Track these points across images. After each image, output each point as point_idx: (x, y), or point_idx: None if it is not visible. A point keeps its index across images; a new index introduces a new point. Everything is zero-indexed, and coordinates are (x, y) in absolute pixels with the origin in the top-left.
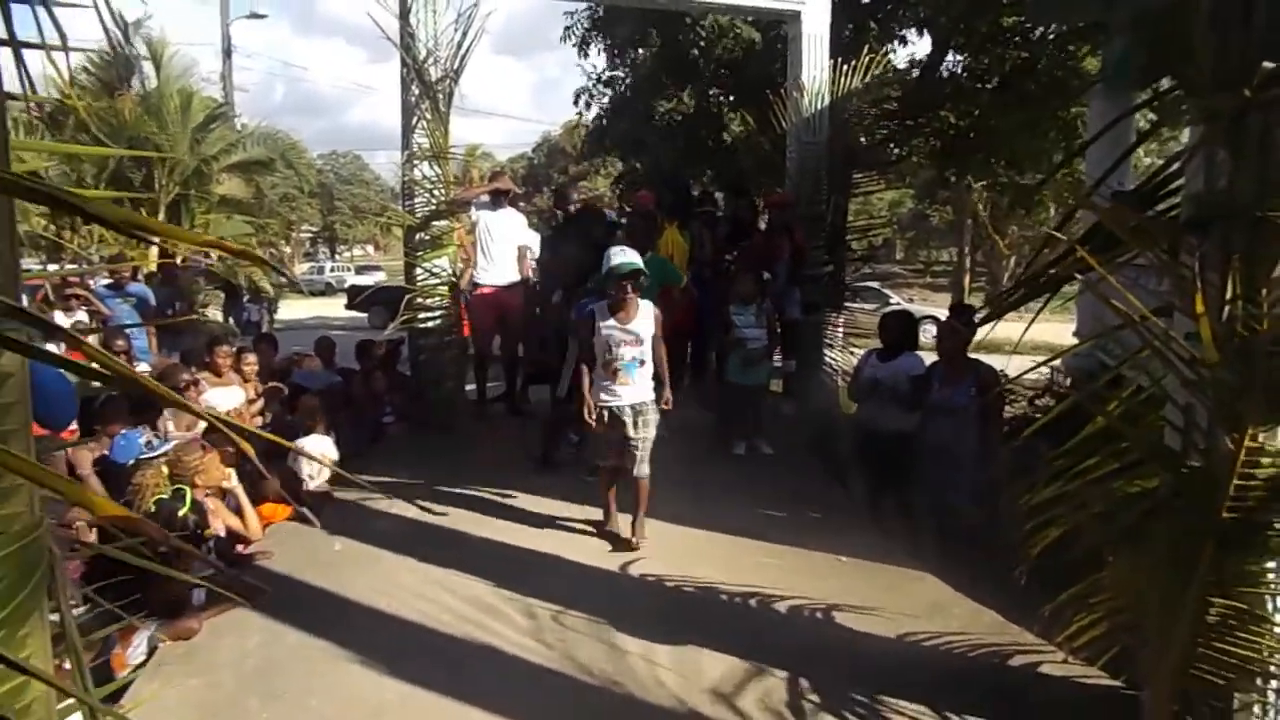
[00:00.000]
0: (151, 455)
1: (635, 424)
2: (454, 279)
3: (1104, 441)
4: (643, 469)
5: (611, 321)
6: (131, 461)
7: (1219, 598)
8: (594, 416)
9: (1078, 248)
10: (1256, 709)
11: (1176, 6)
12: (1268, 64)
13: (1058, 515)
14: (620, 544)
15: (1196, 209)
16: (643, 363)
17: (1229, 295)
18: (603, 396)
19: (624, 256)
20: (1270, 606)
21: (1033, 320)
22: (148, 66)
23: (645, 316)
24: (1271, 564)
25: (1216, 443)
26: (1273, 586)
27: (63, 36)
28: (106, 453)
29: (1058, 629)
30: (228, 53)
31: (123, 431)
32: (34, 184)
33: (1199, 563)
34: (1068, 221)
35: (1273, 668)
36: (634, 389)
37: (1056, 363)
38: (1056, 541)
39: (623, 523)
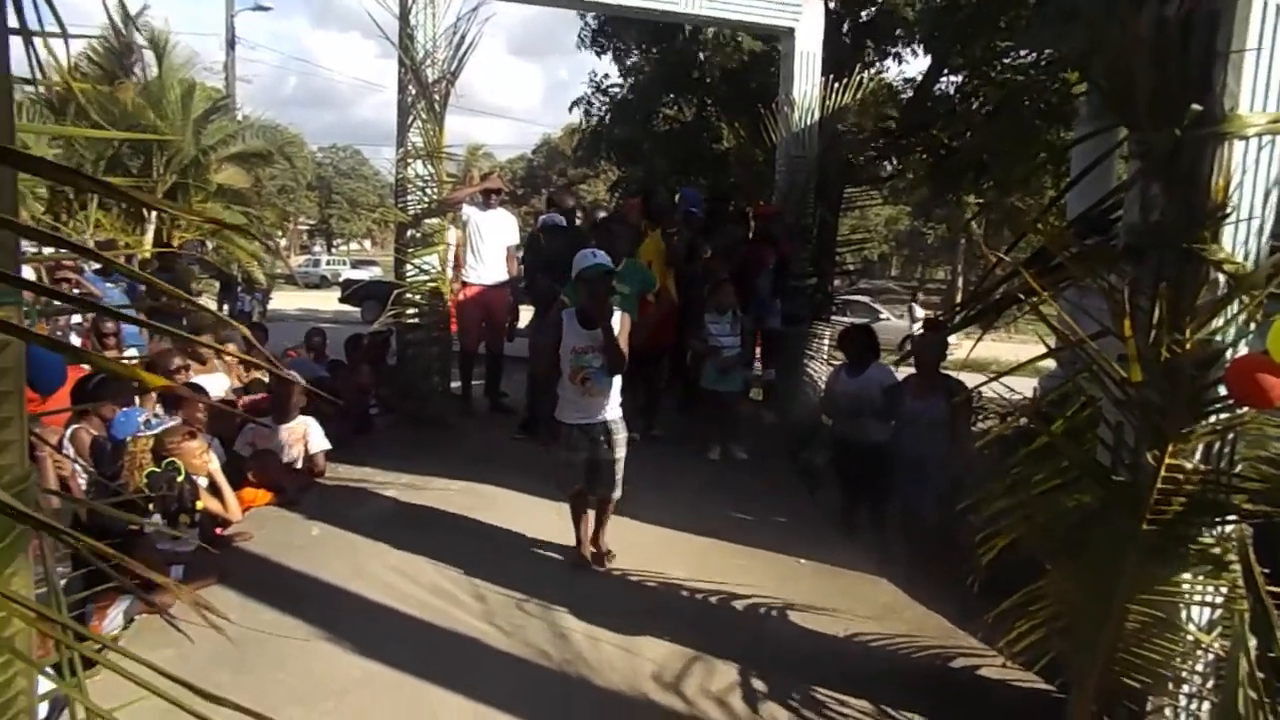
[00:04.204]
0: (148, 434)
1: (608, 444)
2: (442, 277)
3: (1050, 457)
4: (616, 492)
5: (577, 326)
6: (129, 438)
7: (1139, 606)
8: (560, 436)
9: (1022, 270)
10: (1168, 712)
11: (1121, 43)
12: (1196, 106)
13: (1006, 525)
14: (596, 560)
15: (1132, 238)
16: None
17: (1156, 319)
18: (570, 413)
19: (594, 258)
20: (1184, 615)
21: (979, 339)
22: (149, 56)
23: (612, 322)
24: (1187, 575)
25: (1141, 459)
26: (1186, 596)
27: (61, 24)
28: (97, 433)
29: (999, 634)
30: (231, 44)
31: (122, 409)
32: (37, 158)
33: (1123, 572)
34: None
35: (1184, 673)
36: (603, 402)
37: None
38: (1004, 550)
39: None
